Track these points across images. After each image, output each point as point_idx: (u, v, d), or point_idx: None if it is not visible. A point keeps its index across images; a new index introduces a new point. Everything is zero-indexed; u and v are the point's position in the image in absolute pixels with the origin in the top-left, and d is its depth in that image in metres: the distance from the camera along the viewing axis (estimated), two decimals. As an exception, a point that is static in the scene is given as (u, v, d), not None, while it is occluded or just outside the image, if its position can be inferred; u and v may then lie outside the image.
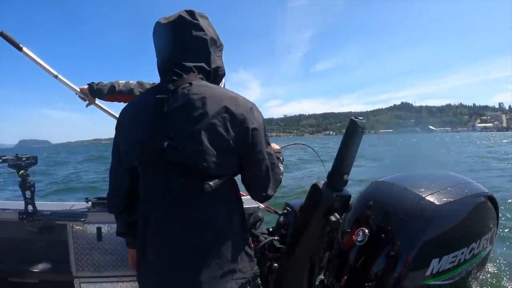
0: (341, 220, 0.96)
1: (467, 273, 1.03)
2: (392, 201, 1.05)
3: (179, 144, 0.88)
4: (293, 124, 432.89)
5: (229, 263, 0.92)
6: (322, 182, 0.99)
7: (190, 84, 0.93)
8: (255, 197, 1.03)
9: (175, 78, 0.95)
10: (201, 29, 0.99)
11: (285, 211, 1.38)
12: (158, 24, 1.00)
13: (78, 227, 1.89)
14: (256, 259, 1.03)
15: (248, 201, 1.25)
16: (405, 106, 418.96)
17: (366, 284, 1.02)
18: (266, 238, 1.30)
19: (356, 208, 1.12)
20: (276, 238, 1.31)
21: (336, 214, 0.95)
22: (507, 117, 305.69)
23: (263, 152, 0.96)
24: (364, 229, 1.02)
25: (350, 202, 1.01)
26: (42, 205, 1.91)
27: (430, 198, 1.00)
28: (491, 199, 1.13)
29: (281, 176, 1.05)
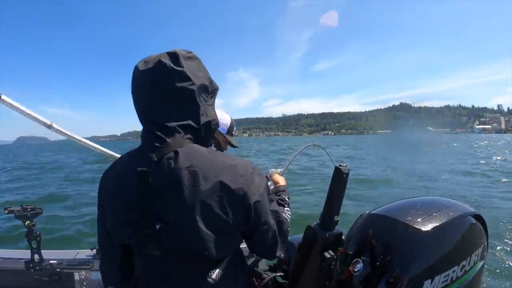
0: (335, 256, 1.06)
1: None
2: (383, 232, 1.13)
3: (172, 229, 0.76)
4: (291, 124, 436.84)
5: None
6: (315, 223, 1.08)
7: (176, 154, 0.77)
8: (262, 258, 0.99)
9: (158, 145, 0.79)
10: (187, 78, 0.81)
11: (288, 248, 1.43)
12: (136, 70, 0.83)
13: (84, 275, 1.92)
14: None
15: None
16: (404, 107, 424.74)
17: None
18: (268, 275, 1.40)
19: (350, 240, 1.21)
20: (279, 274, 1.41)
21: (330, 251, 1.05)
22: (506, 119, 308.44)
23: (269, 220, 0.86)
24: (359, 260, 1.10)
25: (343, 237, 1.10)
26: (48, 253, 1.91)
27: (416, 226, 1.07)
28: (477, 217, 1.19)
29: (288, 228, 0.97)
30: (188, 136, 0.83)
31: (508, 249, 4.45)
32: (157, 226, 0.76)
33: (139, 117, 0.86)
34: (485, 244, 1.20)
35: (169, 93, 0.81)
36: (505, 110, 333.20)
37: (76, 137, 1.74)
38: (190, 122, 0.84)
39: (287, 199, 1.18)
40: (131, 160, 0.86)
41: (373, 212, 1.25)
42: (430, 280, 1.00)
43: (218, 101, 0.94)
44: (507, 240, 4.80)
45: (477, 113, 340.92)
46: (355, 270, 1.09)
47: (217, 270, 0.79)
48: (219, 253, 0.79)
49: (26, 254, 1.84)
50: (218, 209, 0.75)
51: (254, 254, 1.55)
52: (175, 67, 0.81)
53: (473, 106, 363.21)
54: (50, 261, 1.83)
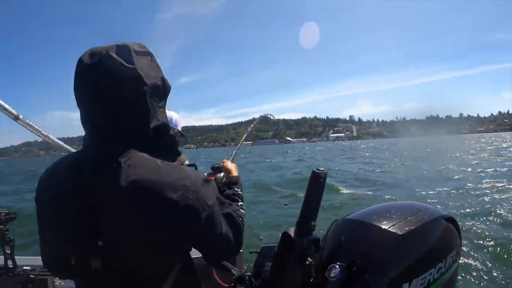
0: (313, 262, 1.03)
1: None
2: (359, 237, 1.11)
3: (115, 246, 0.70)
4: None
5: None
6: (292, 229, 1.05)
7: (119, 165, 0.69)
8: (219, 261, 0.98)
9: (99, 154, 0.72)
10: (137, 77, 0.71)
11: (262, 254, 1.37)
12: (80, 63, 0.71)
13: (58, 281, 1.91)
14: None
15: None
16: (264, 119, 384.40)
17: None
18: (237, 272, 1.34)
19: (326, 246, 1.16)
20: (247, 273, 1.31)
21: (308, 258, 1.02)
22: (357, 128, 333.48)
23: (221, 230, 0.80)
24: (335, 265, 1.03)
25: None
26: (22, 259, 1.83)
27: (392, 230, 1.05)
28: (451, 220, 1.21)
29: (243, 224, 0.93)
30: (135, 142, 0.74)
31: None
32: (100, 243, 0.69)
33: (82, 119, 0.75)
34: (459, 245, 1.21)
35: (115, 96, 0.70)
36: (356, 120, 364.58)
37: (45, 133, 1.57)
38: (138, 126, 0.75)
39: (240, 192, 1.12)
40: (70, 170, 0.76)
41: (348, 217, 1.21)
42: (408, 283, 0.99)
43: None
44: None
45: (331, 123, 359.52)
46: (332, 275, 1.02)
47: None
48: (159, 271, 0.73)
49: None
50: (164, 227, 0.68)
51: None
52: (125, 63, 0.70)
53: (327, 117, 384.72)
54: (24, 267, 1.74)
